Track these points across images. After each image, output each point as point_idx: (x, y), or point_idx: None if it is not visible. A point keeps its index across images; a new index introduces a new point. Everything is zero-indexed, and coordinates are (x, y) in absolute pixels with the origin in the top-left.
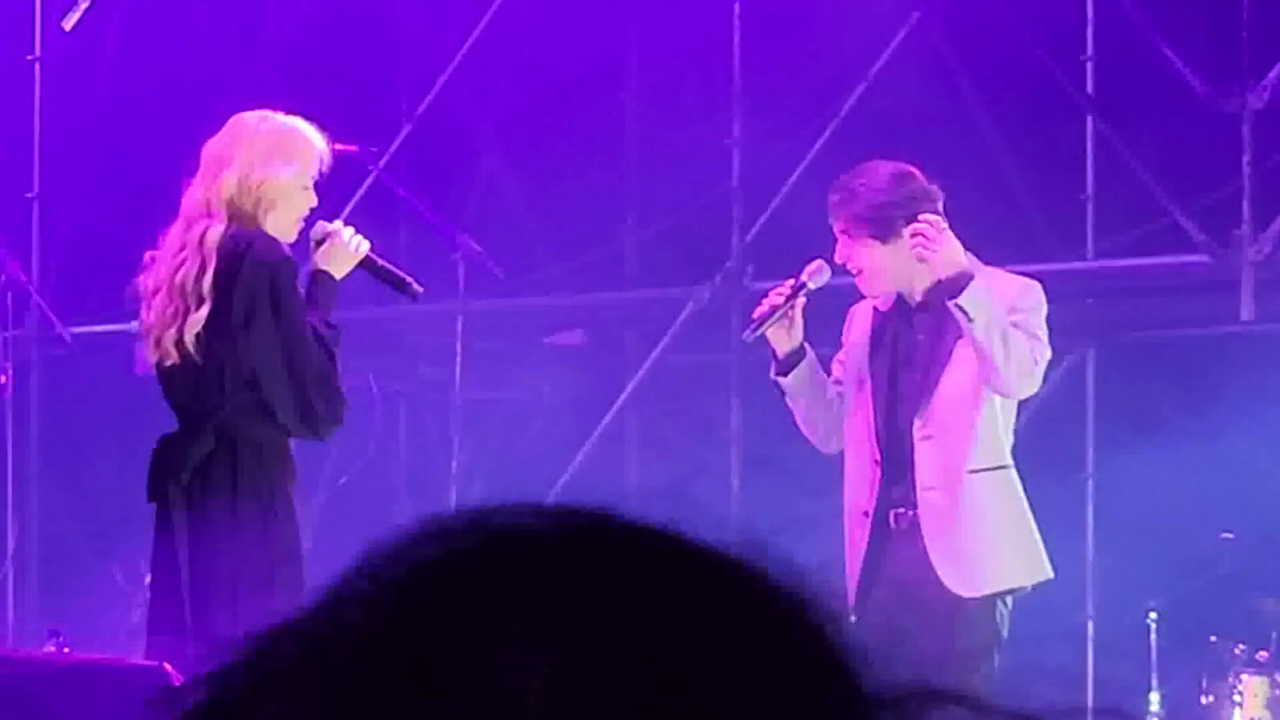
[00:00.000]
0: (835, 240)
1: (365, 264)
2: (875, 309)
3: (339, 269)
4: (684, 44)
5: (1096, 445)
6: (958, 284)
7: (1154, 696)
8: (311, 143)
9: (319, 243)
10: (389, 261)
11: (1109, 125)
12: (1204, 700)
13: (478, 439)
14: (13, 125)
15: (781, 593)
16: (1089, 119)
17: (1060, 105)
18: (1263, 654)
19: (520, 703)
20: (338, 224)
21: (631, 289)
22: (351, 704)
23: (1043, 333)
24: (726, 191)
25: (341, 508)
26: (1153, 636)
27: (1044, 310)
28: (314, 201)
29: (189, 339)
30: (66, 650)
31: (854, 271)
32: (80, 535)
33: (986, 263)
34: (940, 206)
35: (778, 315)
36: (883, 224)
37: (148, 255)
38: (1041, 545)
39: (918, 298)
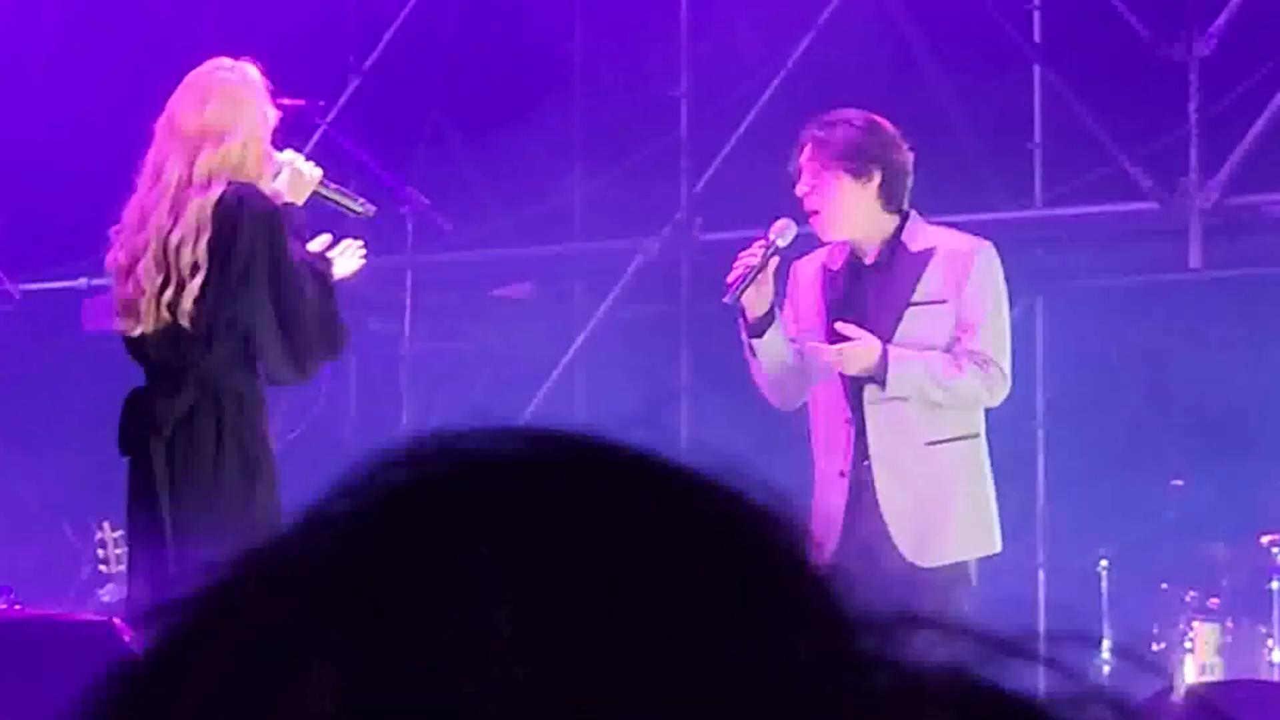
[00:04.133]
0: (799, 179)
1: (317, 189)
2: (823, 266)
3: (301, 196)
4: None
5: (1045, 393)
6: (878, 377)
7: (1105, 643)
8: (255, 77)
9: (274, 176)
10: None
11: (1056, 73)
12: (1155, 647)
13: (427, 392)
14: None
15: (763, 518)
16: (1036, 67)
17: (1007, 53)
18: (1214, 600)
19: (487, 637)
20: (289, 153)
21: (580, 241)
22: (314, 630)
23: (995, 333)
24: (674, 142)
25: (292, 461)
26: (1104, 584)
27: (998, 273)
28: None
29: (186, 307)
30: (17, 606)
31: (813, 211)
32: (30, 491)
33: (933, 211)
34: (910, 164)
35: (753, 276)
36: (857, 158)
37: (114, 229)
38: (996, 518)
39: (870, 257)
